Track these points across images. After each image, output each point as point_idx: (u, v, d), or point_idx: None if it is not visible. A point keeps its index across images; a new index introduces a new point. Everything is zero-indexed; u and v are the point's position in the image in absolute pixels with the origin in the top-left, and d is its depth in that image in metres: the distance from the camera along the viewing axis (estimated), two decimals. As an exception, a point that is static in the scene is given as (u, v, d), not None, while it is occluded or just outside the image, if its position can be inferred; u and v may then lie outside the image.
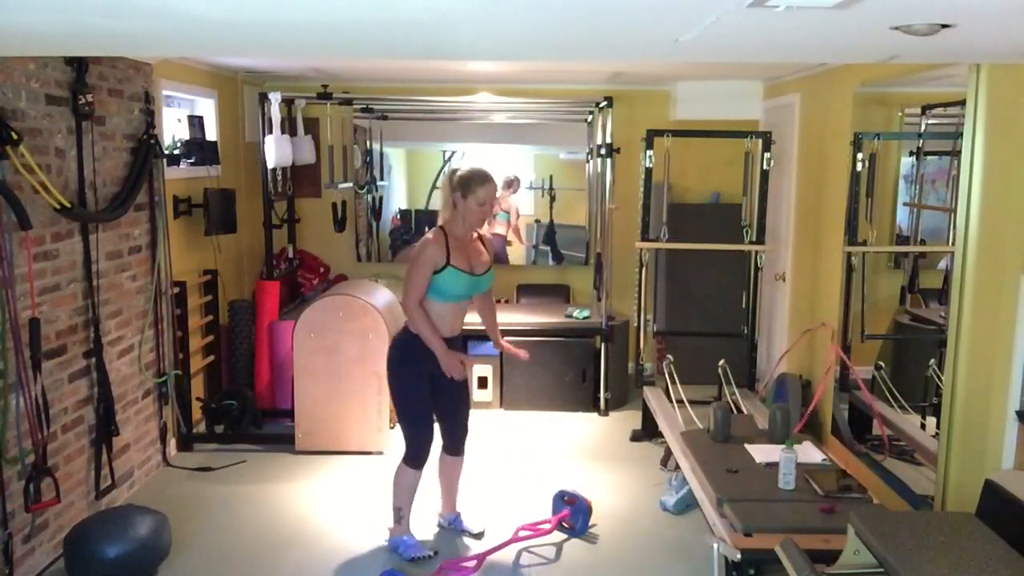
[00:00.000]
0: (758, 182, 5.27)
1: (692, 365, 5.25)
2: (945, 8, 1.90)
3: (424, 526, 4.02)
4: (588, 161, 6.41)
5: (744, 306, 5.41)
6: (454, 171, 3.70)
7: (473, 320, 6.04)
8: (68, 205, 3.61)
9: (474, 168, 3.71)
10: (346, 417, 4.96)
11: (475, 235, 3.78)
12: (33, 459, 3.44)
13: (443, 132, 6.71)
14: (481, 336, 5.87)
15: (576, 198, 6.65)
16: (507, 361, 5.83)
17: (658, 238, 5.38)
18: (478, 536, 3.96)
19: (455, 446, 3.96)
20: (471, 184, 3.61)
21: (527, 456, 5.05)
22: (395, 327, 5.06)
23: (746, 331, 5.41)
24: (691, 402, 4.83)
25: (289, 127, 5.84)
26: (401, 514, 3.81)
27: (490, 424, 5.55)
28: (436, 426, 3.84)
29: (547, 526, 4.00)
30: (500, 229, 6.69)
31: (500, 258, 6.50)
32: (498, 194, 3.70)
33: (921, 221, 4.39)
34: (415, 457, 3.75)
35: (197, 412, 5.21)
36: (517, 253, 6.81)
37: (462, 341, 3.97)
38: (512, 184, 6.62)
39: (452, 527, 4.04)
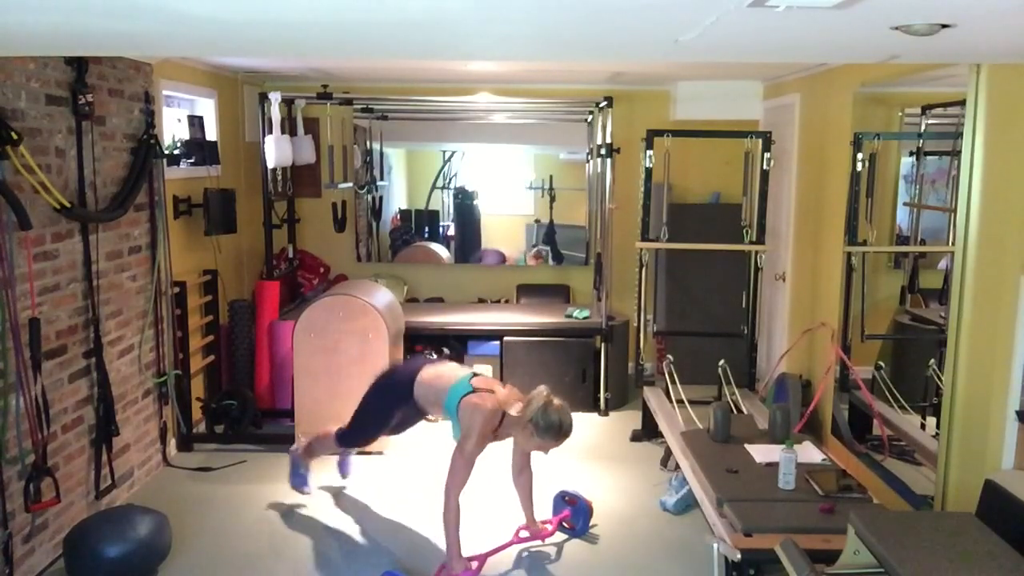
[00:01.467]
0: (758, 182, 5.27)
1: (692, 365, 5.25)
2: (945, 8, 1.90)
3: (429, 529, 4.01)
4: (588, 161, 6.41)
5: (744, 306, 5.41)
6: (545, 404, 3.53)
7: (474, 320, 6.05)
8: (68, 205, 3.61)
9: (562, 423, 3.56)
10: (346, 417, 4.94)
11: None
12: (33, 459, 3.44)
13: (443, 132, 6.72)
14: (481, 335, 5.92)
15: (576, 198, 6.65)
16: (507, 361, 5.83)
17: (658, 238, 5.38)
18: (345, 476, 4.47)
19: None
20: (548, 435, 3.55)
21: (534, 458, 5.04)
22: (395, 327, 5.07)
23: (746, 331, 5.41)
24: (691, 402, 4.83)
25: (289, 127, 5.84)
26: (310, 455, 4.32)
27: (490, 424, 5.55)
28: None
29: (548, 527, 4.00)
30: None
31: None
32: None
33: (921, 221, 4.39)
34: (347, 440, 4.18)
35: (197, 412, 5.21)
36: (515, 254, 6.83)
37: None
38: (538, 256, 6.82)
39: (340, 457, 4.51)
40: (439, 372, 3.86)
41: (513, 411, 3.59)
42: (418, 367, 3.93)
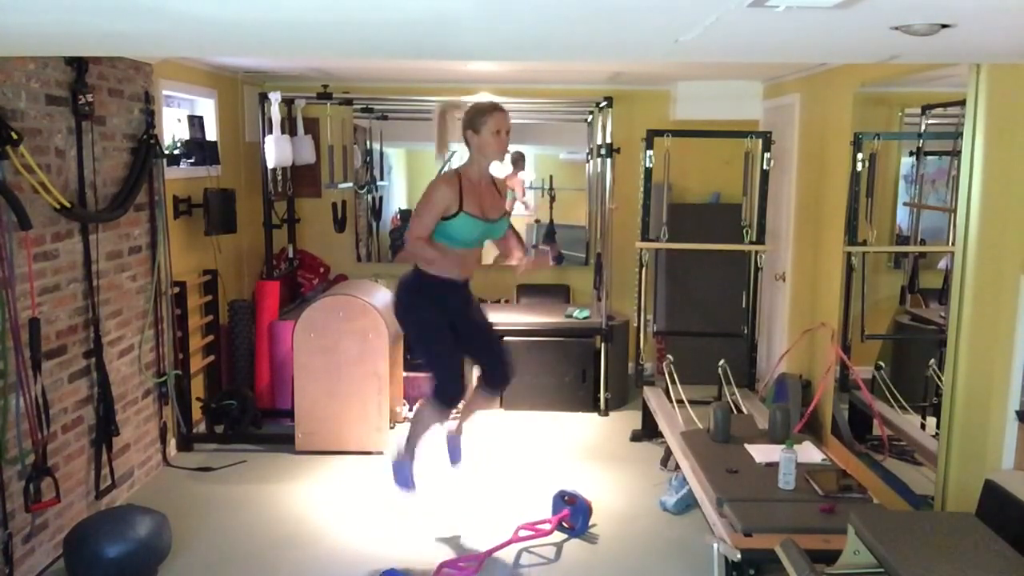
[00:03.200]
0: (758, 182, 5.27)
1: (692, 365, 5.25)
2: (945, 8, 1.90)
3: (430, 531, 4.01)
4: (588, 161, 6.41)
5: (744, 306, 5.41)
6: (451, 109, 3.63)
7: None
8: (68, 205, 3.61)
9: (475, 103, 3.61)
10: (346, 417, 4.96)
11: (490, 178, 3.70)
12: (33, 459, 3.44)
13: (443, 132, 6.71)
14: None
15: (576, 198, 6.64)
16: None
17: (658, 238, 5.38)
18: (455, 465, 4.08)
19: (496, 377, 3.86)
20: (480, 116, 3.54)
21: (527, 456, 5.05)
22: (395, 327, 5.07)
23: (746, 331, 5.41)
24: (691, 402, 4.83)
25: (289, 127, 5.84)
26: (412, 443, 3.81)
27: (490, 424, 5.55)
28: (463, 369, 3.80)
29: (547, 526, 4.00)
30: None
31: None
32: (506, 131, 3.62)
33: (921, 221, 4.39)
34: (441, 393, 3.65)
35: (197, 412, 5.21)
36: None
37: (467, 289, 3.82)
38: (518, 162, 6.61)
39: (448, 447, 4.11)
40: None
41: (455, 161, 3.62)
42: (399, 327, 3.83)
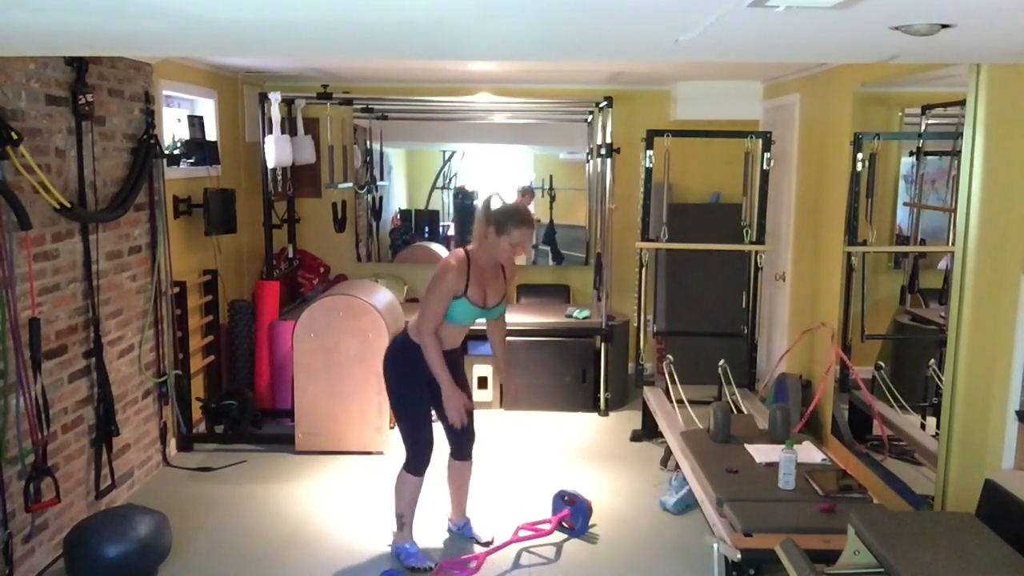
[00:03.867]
0: (758, 182, 5.26)
1: (692, 365, 5.25)
2: (945, 8, 1.90)
3: (432, 533, 4.01)
4: (588, 161, 6.41)
5: (744, 306, 5.41)
6: (488, 202, 3.57)
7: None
8: (68, 205, 3.61)
9: (514, 207, 3.58)
10: (346, 417, 4.96)
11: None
12: (33, 459, 3.44)
13: (443, 132, 6.72)
14: (481, 336, 5.90)
15: (576, 198, 6.65)
16: (508, 361, 5.82)
17: (658, 238, 5.38)
18: (487, 544, 3.90)
19: (462, 452, 3.90)
20: (508, 224, 3.49)
21: (527, 456, 5.05)
22: (395, 327, 5.06)
23: (746, 331, 5.41)
24: (691, 402, 4.83)
25: (289, 127, 5.84)
26: (403, 521, 3.76)
27: (490, 424, 5.55)
28: (439, 431, 3.78)
29: (547, 526, 4.00)
30: None
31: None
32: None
33: (921, 221, 4.39)
34: (415, 463, 3.70)
35: (197, 412, 5.21)
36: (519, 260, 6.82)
37: (463, 343, 3.90)
38: (527, 193, 6.63)
39: (461, 533, 4.01)
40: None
41: (472, 244, 3.58)
42: (398, 328, 3.83)
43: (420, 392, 3.66)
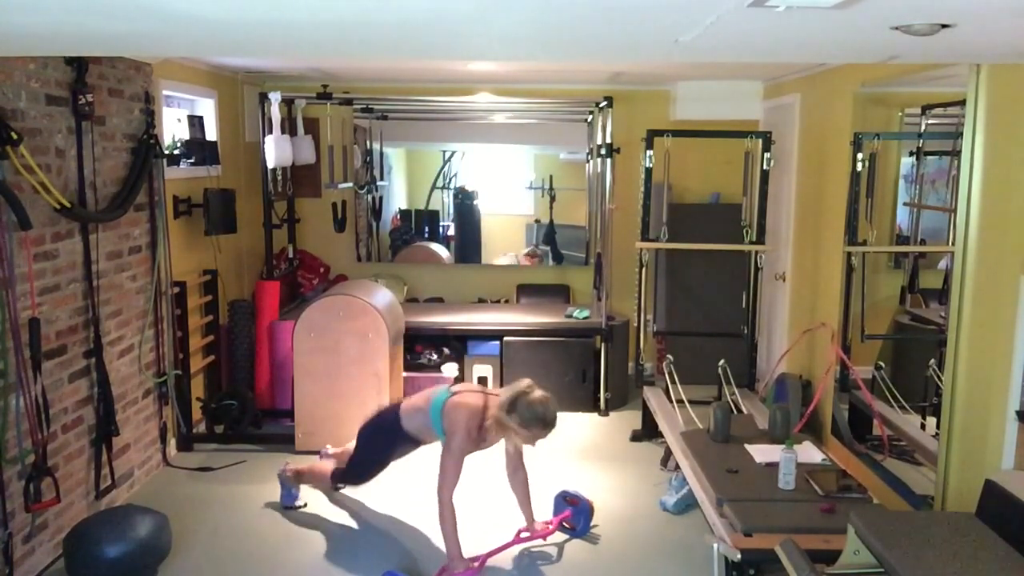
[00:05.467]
0: (758, 182, 5.26)
1: (692, 365, 5.25)
2: (945, 8, 1.90)
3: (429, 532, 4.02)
4: (588, 161, 6.41)
5: (744, 306, 5.41)
6: (524, 394, 3.54)
7: (474, 320, 6.05)
8: (68, 205, 3.61)
9: (543, 410, 3.57)
10: (346, 417, 4.95)
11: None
12: (33, 459, 3.44)
13: (443, 132, 6.72)
14: (481, 336, 5.92)
15: (576, 198, 6.65)
16: (507, 361, 5.83)
17: (658, 238, 5.38)
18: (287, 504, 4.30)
19: (342, 483, 4.27)
20: (535, 424, 3.55)
21: (527, 456, 5.03)
22: (395, 327, 5.07)
23: (746, 331, 5.41)
24: (691, 402, 4.83)
25: (289, 127, 5.84)
26: (301, 481, 4.28)
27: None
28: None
29: (549, 526, 4.00)
30: None
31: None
32: None
33: (921, 221, 4.39)
34: (346, 478, 4.14)
35: (197, 412, 5.21)
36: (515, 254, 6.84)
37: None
38: (534, 256, 6.78)
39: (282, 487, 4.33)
40: (420, 395, 3.91)
41: (494, 406, 3.60)
42: (398, 401, 4.05)
43: (388, 453, 4.00)
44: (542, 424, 3.56)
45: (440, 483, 3.58)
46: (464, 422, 3.59)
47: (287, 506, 4.25)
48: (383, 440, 3.96)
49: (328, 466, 4.24)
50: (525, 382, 3.61)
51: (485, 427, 3.63)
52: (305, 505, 4.27)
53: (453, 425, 3.61)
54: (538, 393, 3.58)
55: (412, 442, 3.94)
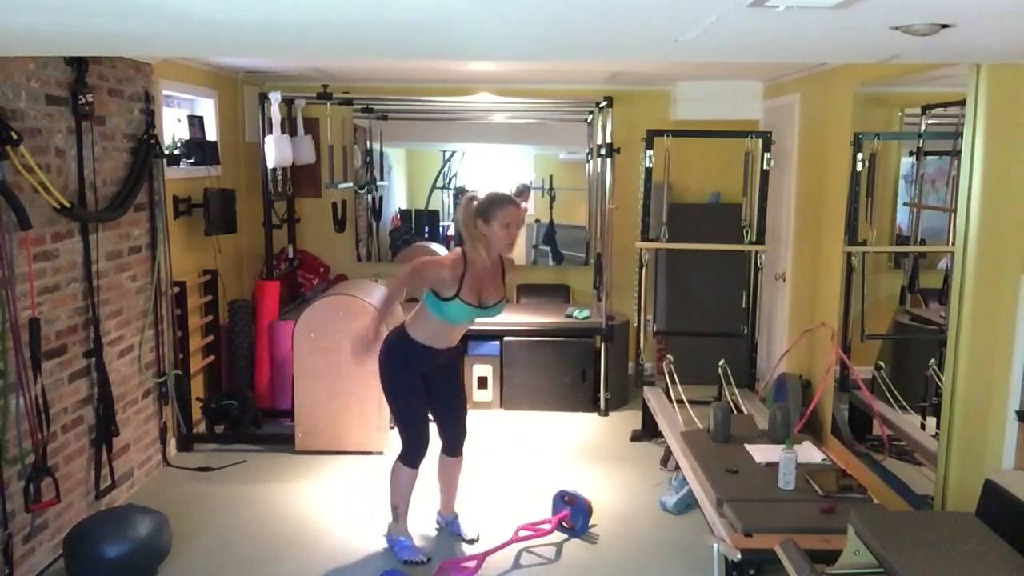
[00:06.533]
0: (758, 182, 5.26)
1: (692, 365, 5.25)
2: (945, 8, 1.90)
3: (424, 526, 4.03)
4: (588, 161, 6.41)
5: (744, 306, 5.41)
6: (471, 200, 3.57)
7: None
8: (68, 205, 3.61)
9: (492, 193, 3.62)
10: (346, 417, 4.96)
11: (497, 258, 3.67)
12: (33, 459, 3.44)
13: (443, 132, 6.72)
14: (481, 335, 5.91)
15: (576, 198, 6.65)
16: (507, 361, 5.84)
17: (658, 238, 5.38)
18: (471, 542, 3.93)
19: (453, 447, 3.95)
20: (491, 209, 3.52)
21: (527, 456, 5.05)
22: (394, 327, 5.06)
23: (746, 331, 5.41)
24: (691, 402, 4.83)
25: (289, 127, 5.84)
26: (398, 512, 3.82)
27: (490, 424, 5.55)
28: (432, 425, 3.85)
29: (547, 526, 4.00)
30: None
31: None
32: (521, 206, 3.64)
33: (921, 221, 4.39)
34: (410, 456, 3.76)
35: (197, 412, 5.21)
36: (516, 252, 6.82)
37: (463, 343, 3.93)
38: (523, 193, 6.63)
39: (449, 529, 4.04)
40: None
41: (466, 246, 3.58)
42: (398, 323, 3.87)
43: (415, 387, 3.71)
44: (500, 202, 3.53)
45: (399, 274, 3.63)
46: (449, 263, 3.55)
47: (411, 560, 3.73)
48: (401, 369, 3.68)
49: (392, 477, 3.86)
50: (467, 195, 3.64)
51: (473, 269, 3.55)
52: (429, 560, 3.76)
53: (438, 259, 3.64)
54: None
55: (428, 356, 3.67)
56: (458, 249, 3.64)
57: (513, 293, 6.73)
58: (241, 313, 5.54)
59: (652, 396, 5.22)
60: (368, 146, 6.59)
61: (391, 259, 6.79)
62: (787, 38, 2.38)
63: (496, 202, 3.55)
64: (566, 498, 4.06)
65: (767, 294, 5.87)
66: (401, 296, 3.58)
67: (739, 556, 3.05)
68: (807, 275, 5.18)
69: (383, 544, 3.89)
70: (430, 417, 3.85)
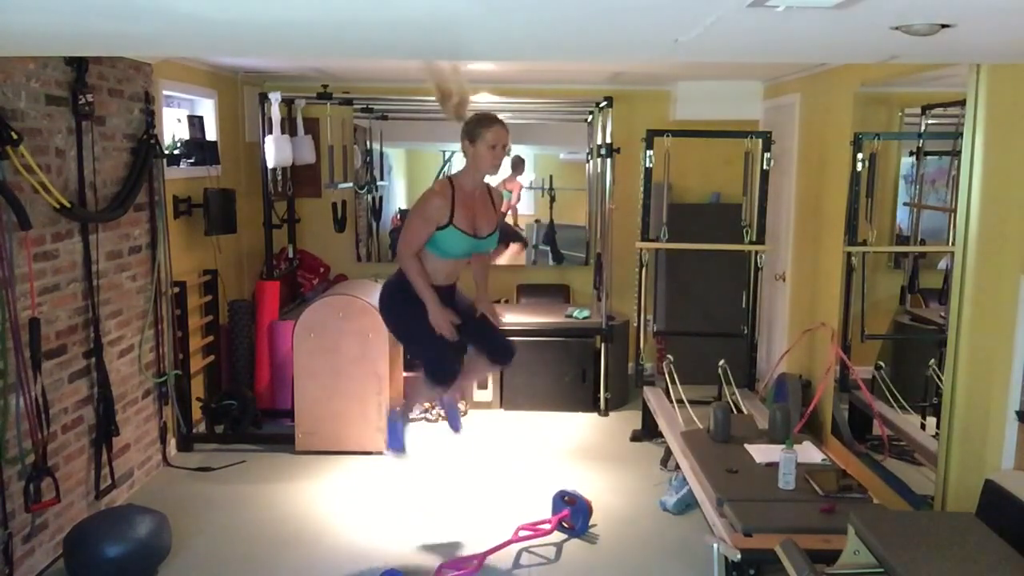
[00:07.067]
0: (758, 182, 5.27)
1: (692, 365, 5.25)
2: (945, 8, 1.90)
3: (424, 526, 4.02)
4: (588, 161, 6.41)
5: (744, 306, 5.41)
6: (462, 123, 3.60)
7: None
8: (68, 205, 3.61)
9: (479, 112, 3.60)
10: (346, 417, 4.96)
11: (486, 188, 3.65)
12: (33, 459, 3.44)
13: (443, 132, 6.68)
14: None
15: (576, 198, 6.65)
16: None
17: (658, 238, 5.38)
18: (456, 432, 4.06)
19: (500, 361, 3.88)
20: (478, 127, 3.51)
21: (527, 456, 5.05)
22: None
23: (746, 331, 5.41)
24: (691, 402, 4.83)
25: (289, 127, 5.84)
26: (410, 404, 3.90)
27: (490, 424, 5.55)
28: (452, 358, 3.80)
29: (547, 526, 4.00)
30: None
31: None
32: (505, 143, 3.59)
33: (921, 221, 4.39)
34: (429, 376, 3.70)
35: (197, 412, 5.21)
36: (516, 253, 6.82)
37: (452, 291, 3.77)
38: (517, 166, 6.62)
39: (447, 415, 4.10)
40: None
41: (453, 172, 3.56)
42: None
43: (415, 317, 3.57)
44: (486, 122, 3.52)
45: (400, 240, 3.55)
46: (438, 188, 3.52)
47: (393, 450, 3.91)
48: (404, 305, 3.63)
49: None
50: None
51: (462, 192, 3.52)
52: (406, 455, 3.98)
53: (425, 194, 3.57)
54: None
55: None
56: (445, 178, 3.62)
57: (513, 293, 6.73)
58: (241, 313, 5.54)
59: (652, 396, 5.22)
60: (368, 146, 6.59)
61: (391, 259, 6.79)
62: (787, 38, 2.38)
63: (482, 121, 3.53)
64: (566, 498, 4.06)
65: (767, 294, 5.87)
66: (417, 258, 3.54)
67: (739, 556, 3.05)
68: (807, 275, 5.18)
69: (383, 544, 3.89)
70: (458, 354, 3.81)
